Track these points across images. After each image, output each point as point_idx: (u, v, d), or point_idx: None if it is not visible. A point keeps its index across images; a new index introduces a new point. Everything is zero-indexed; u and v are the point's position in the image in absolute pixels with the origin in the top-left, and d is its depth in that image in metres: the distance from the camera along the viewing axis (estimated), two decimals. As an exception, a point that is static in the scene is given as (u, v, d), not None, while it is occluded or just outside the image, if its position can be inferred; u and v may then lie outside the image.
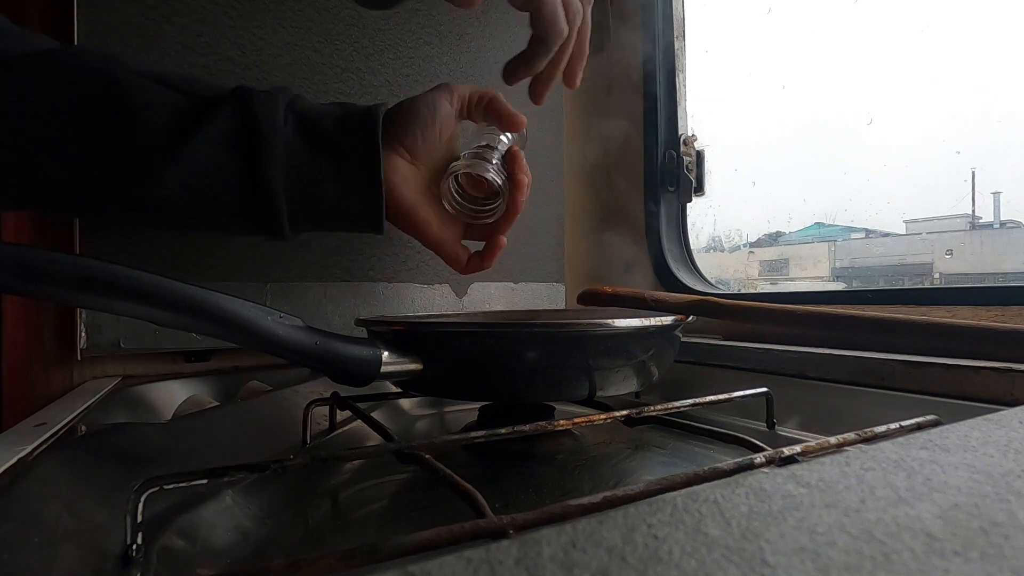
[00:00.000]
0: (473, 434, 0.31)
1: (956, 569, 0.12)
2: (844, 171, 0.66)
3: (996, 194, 0.62)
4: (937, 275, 0.66)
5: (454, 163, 0.44)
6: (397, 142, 0.43)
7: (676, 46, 0.76)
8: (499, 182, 0.44)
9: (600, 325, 0.37)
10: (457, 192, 0.46)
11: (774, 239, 0.80)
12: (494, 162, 0.44)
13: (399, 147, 0.43)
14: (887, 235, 0.73)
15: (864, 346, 0.47)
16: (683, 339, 0.47)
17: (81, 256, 0.27)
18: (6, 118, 0.35)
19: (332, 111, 0.42)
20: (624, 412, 0.37)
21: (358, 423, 0.44)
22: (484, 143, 0.46)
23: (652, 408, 0.37)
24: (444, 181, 0.45)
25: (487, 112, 0.45)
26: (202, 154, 0.38)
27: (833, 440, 0.28)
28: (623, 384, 0.39)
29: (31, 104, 0.35)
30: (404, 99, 0.45)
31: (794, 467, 0.18)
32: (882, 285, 0.75)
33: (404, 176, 0.43)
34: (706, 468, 0.23)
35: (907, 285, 0.69)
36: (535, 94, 0.45)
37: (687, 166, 0.74)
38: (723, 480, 0.17)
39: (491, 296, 0.72)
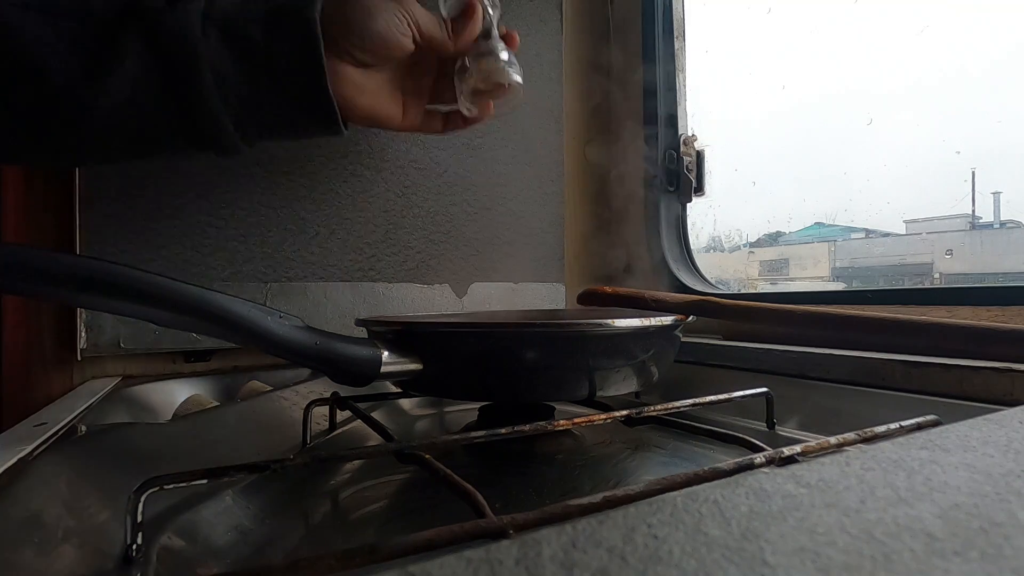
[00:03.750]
0: (473, 434, 0.31)
1: (956, 569, 0.12)
2: (844, 171, 0.66)
3: (996, 194, 0.62)
4: (937, 275, 0.66)
5: (466, 79, 0.43)
6: (346, 55, 0.38)
7: (676, 46, 0.76)
8: (520, 81, 0.44)
9: (600, 325, 0.37)
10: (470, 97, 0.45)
11: (774, 239, 0.80)
12: (507, 60, 0.44)
13: (348, 60, 0.38)
14: (887, 235, 0.73)
15: (864, 346, 0.47)
16: (683, 339, 0.47)
17: (81, 256, 0.27)
18: None
19: (259, 9, 0.36)
20: (624, 412, 0.36)
21: (358, 423, 0.44)
22: (482, 50, 0.44)
23: (652, 408, 0.37)
24: (460, 95, 0.44)
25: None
26: (116, 96, 0.34)
27: (833, 440, 0.28)
28: (623, 384, 0.39)
29: None
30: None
31: (794, 467, 0.18)
32: (882, 285, 0.75)
33: (357, 84, 0.39)
34: (706, 468, 0.23)
35: (907, 285, 0.69)
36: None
37: (687, 166, 0.74)
38: (723, 480, 0.17)
39: (491, 296, 0.72)
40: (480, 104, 0.45)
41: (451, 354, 0.38)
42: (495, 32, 0.44)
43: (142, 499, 0.23)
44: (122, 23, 0.34)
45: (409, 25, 0.39)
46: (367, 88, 0.40)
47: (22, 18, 0.32)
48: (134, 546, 0.23)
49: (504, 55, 0.43)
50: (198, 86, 0.35)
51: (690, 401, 0.38)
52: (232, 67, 0.35)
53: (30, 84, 0.33)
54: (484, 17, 0.43)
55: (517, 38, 0.46)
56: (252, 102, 0.37)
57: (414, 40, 0.40)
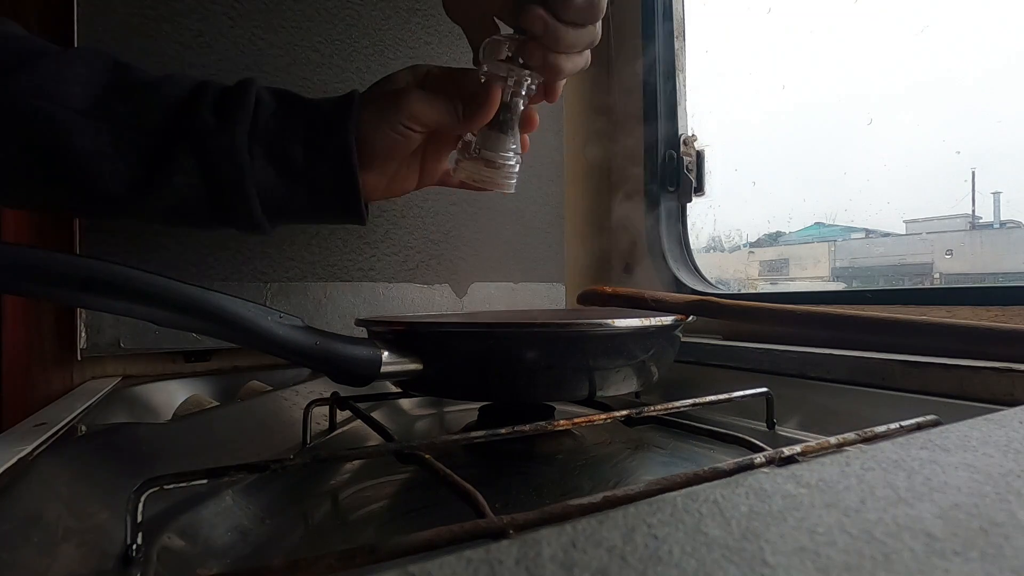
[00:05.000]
0: (473, 434, 0.31)
1: (956, 569, 0.12)
2: (844, 171, 0.66)
3: (996, 194, 0.62)
4: (937, 275, 0.66)
5: (459, 165, 0.43)
6: (368, 167, 0.41)
7: (676, 46, 0.76)
8: (511, 184, 0.43)
9: (600, 325, 0.37)
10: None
11: (774, 239, 0.80)
12: (506, 162, 0.42)
13: (370, 169, 0.41)
14: (887, 235, 0.73)
15: (864, 346, 0.47)
16: (683, 339, 0.47)
17: (81, 256, 0.28)
18: None
19: (299, 129, 0.39)
20: (624, 412, 0.36)
21: (358, 423, 0.44)
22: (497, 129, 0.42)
23: (652, 408, 0.37)
24: (452, 168, 0.44)
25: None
26: (168, 202, 0.37)
27: (833, 440, 0.28)
28: (623, 384, 0.39)
29: None
30: (366, 114, 0.40)
31: (794, 467, 0.18)
32: (882, 285, 0.75)
33: (377, 181, 0.43)
34: (706, 468, 0.23)
35: (907, 285, 0.69)
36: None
37: (687, 166, 0.74)
38: (723, 480, 0.17)
39: (491, 296, 0.72)
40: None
41: (451, 354, 0.38)
42: (509, 128, 0.42)
43: (142, 499, 0.23)
44: (175, 139, 0.36)
45: (408, 128, 0.40)
46: (387, 176, 0.43)
47: (80, 124, 0.34)
48: (134, 546, 0.23)
49: (506, 156, 0.42)
50: (243, 198, 0.38)
51: (690, 401, 0.38)
52: (274, 181, 0.39)
53: (80, 187, 0.35)
54: (502, 112, 0.41)
55: (528, 142, 0.45)
56: (289, 208, 0.40)
57: (422, 132, 0.41)
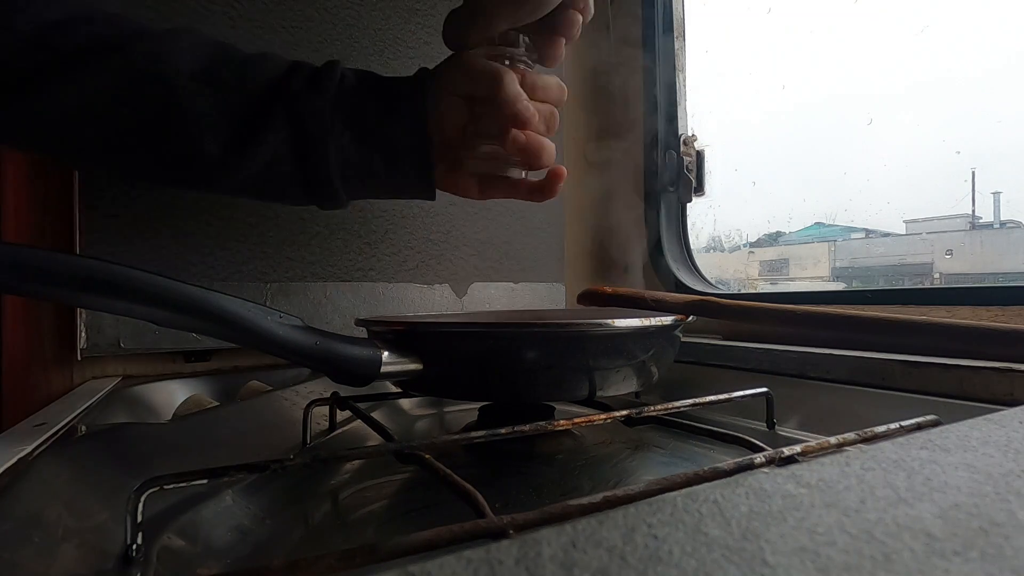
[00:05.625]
0: (473, 434, 0.31)
1: (956, 569, 0.12)
2: (844, 171, 0.66)
3: (996, 194, 0.62)
4: (937, 275, 0.66)
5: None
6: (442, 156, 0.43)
7: (676, 46, 0.76)
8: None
9: (600, 325, 0.37)
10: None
11: (774, 239, 0.80)
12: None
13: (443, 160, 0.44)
14: (887, 235, 0.73)
15: (864, 346, 0.47)
16: (683, 339, 0.47)
17: (81, 256, 0.27)
18: (65, 116, 0.36)
19: (371, 100, 0.42)
20: (624, 412, 0.36)
21: (358, 423, 0.44)
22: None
23: (652, 408, 0.37)
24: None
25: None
26: (257, 163, 0.40)
27: (833, 440, 0.28)
28: (623, 384, 0.39)
29: (88, 108, 0.36)
30: (445, 106, 0.42)
31: (794, 467, 0.18)
32: (882, 285, 0.75)
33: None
34: (706, 468, 0.23)
35: (907, 285, 0.69)
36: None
37: (687, 166, 0.74)
38: (723, 480, 0.17)
39: (491, 296, 0.72)
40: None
41: (451, 354, 0.38)
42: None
43: (142, 499, 0.23)
44: (271, 100, 0.39)
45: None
46: (455, 153, 0.44)
47: (190, 87, 0.38)
48: (134, 546, 0.23)
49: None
50: (325, 161, 0.41)
51: (690, 401, 0.38)
52: (350, 145, 0.41)
53: (185, 148, 0.39)
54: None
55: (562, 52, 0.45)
56: (364, 173, 0.43)
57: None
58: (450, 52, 0.43)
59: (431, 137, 0.42)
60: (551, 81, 0.45)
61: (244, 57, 0.41)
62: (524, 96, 0.41)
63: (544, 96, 0.44)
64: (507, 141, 0.42)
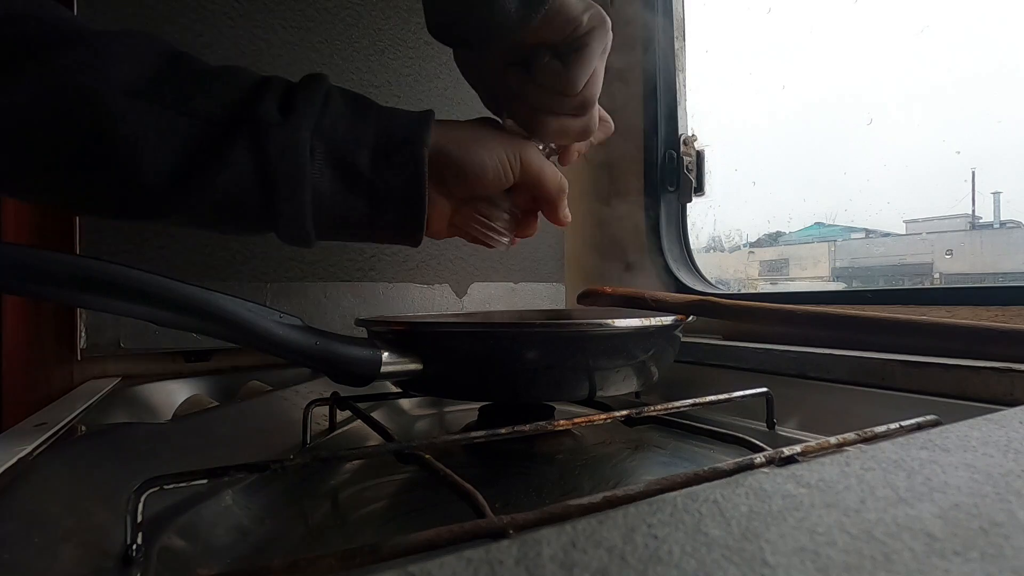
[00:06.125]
0: (473, 434, 0.31)
1: (956, 569, 0.12)
2: (844, 171, 0.66)
3: (996, 194, 0.62)
4: (937, 275, 0.66)
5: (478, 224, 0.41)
6: (442, 187, 0.38)
7: (676, 46, 0.76)
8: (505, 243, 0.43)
9: (600, 325, 0.37)
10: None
11: (774, 239, 0.80)
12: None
13: (443, 191, 0.38)
14: (887, 235, 0.73)
15: (864, 346, 0.47)
16: (683, 339, 0.47)
17: (81, 256, 0.27)
18: None
19: (369, 135, 0.35)
20: (624, 412, 0.36)
21: (358, 423, 0.44)
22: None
23: (652, 408, 0.37)
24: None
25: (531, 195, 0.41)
26: (211, 198, 0.33)
27: (833, 440, 0.28)
28: (623, 384, 0.39)
29: (10, 124, 0.31)
30: (463, 133, 0.38)
31: (794, 467, 0.18)
32: (882, 285, 0.75)
33: (439, 211, 0.39)
34: (706, 468, 0.23)
35: (907, 285, 0.69)
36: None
37: (687, 166, 0.74)
38: (723, 480, 0.17)
39: (491, 296, 0.72)
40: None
41: (451, 354, 0.38)
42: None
43: (142, 499, 0.23)
44: (231, 130, 0.33)
45: (514, 171, 0.38)
46: (444, 212, 0.39)
47: (124, 105, 0.31)
48: (134, 546, 0.23)
49: (502, 216, 0.42)
50: (296, 202, 0.34)
51: (690, 401, 0.38)
52: (331, 187, 0.35)
53: (118, 178, 0.32)
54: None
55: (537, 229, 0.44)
56: (341, 220, 0.36)
57: (513, 181, 0.39)
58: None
59: (427, 192, 0.36)
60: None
61: (199, 72, 0.34)
62: (563, 184, 0.40)
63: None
64: (530, 229, 0.43)
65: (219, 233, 0.41)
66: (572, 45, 0.37)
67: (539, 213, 0.43)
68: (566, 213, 0.42)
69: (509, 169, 0.38)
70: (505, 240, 0.42)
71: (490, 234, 0.41)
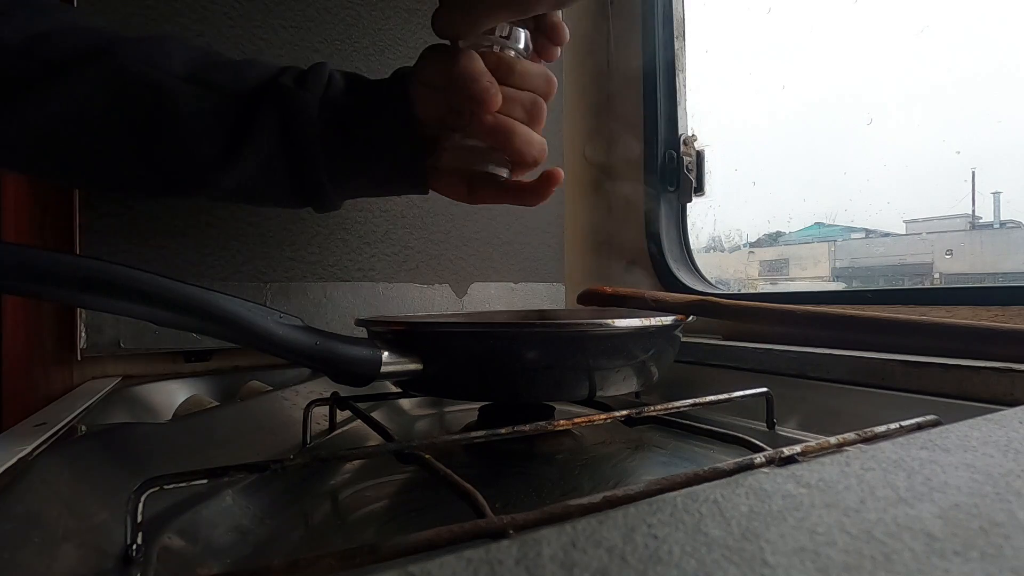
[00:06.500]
0: (473, 434, 0.31)
1: (956, 569, 0.12)
2: (844, 171, 0.66)
3: (996, 194, 0.62)
4: (937, 275, 0.66)
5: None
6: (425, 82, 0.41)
7: (676, 46, 0.76)
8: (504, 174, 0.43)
9: (600, 325, 0.37)
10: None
11: (774, 239, 0.80)
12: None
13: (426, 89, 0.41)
14: (887, 235, 0.73)
15: (864, 346, 0.47)
16: (683, 339, 0.47)
17: (81, 256, 0.27)
18: (55, 125, 0.36)
19: (363, 99, 0.42)
20: (624, 412, 0.36)
21: (358, 423, 0.44)
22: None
23: (652, 408, 0.37)
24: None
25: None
26: (251, 165, 0.39)
27: (833, 440, 0.28)
28: (623, 384, 0.39)
29: (78, 115, 0.36)
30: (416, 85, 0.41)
31: (794, 467, 0.18)
32: (882, 285, 0.75)
33: (437, 169, 0.44)
34: (706, 468, 0.23)
35: (907, 285, 0.69)
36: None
37: (687, 166, 0.74)
38: (723, 480, 0.17)
39: (491, 296, 0.72)
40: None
41: (451, 354, 0.38)
42: None
43: (142, 499, 0.23)
44: (260, 99, 0.39)
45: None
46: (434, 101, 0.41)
47: (184, 89, 0.37)
48: (134, 546, 0.23)
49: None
50: (313, 161, 0.41)
51: (690, 401, 0.38)
52: (339, 141, 0.41)
53: (179, 151, 0.38)
54: None
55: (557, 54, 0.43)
56: (353, 170, 0.42)
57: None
58: None
59: (417, 129, 0.41)
60: (534, 68, 0.41)
61: (230, 62, 0.41)
62: (487, 76, 0.38)
63: (524, 83, 0.40)
64: (472, 124, 0.39)
65: (254, 203, 0.47)
66: None
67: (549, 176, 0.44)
68: (485, 86, 0.38)
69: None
70: (504, 172, 0.43)
71: (487, 163, 0.42)
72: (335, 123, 0.41)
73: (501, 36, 0.39)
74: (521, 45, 0.40)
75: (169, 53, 0.38)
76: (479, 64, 0.38)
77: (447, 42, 0.39)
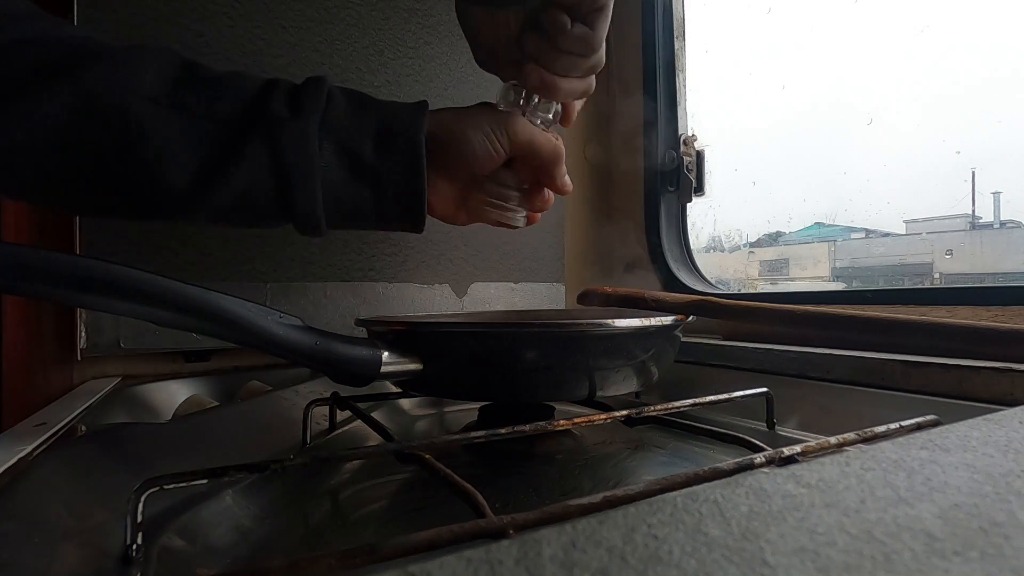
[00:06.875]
0: (473, 434, 0.31)
1: (956, 569, 0.12)
2: (844, 171, 0.66)
3: (996, 194, 0.62)
4: (937, 275, 0.66)
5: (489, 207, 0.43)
6: (441, 170, 0.40)
7: (676, 46, 0.76)
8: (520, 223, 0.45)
9: (600, 325, 0.37)
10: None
11: (774, 239, 0.80)
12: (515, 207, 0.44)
13: (442, 174, 0.40)
14: (887, 235, 0.73)
15: (864, 346, 0.47)
16: (683, 339, 0.47)
17: (81, 256, 0.27)
18: (16, 149, 0.33)
19: (370, 127, 0.38)
20: (624, 412, 0.37)
21: (358, 423, 0.44)
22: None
23: (652, 408, 0.37)
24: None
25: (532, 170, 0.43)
26: (230, 195, 0.36)
27: (833, 440, 0.28)
28: (623, 384, 0.39)
29: (42, 139, 0.33)
30: (449, 115, 0.40)
31: (794, 467, 0.18)
32: (882, 285, 0.75)
33: (441, 195, 0.42)
34: (706, 468, 0.23)
35: (907, 285, 0.69)
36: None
37: (687, 166, 0.74)
38: (723, 480, 0.17)
39: (491, 296, 0.72)
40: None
41: (451, 354, 0.38)
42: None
43: (142, 499, 0.23)
44: (246, 128, 0.35)
45: (501, 144, 0.40)
46: (447, 195, 0.42)
47: (152, 112, 0.34)
48: (134, 546, 0.23)
49: (510, 195, 0.43)
50: (309, 192, 0.37)
51: (690, 401, 0.38)
52: (338, 176, 0.37)
53: (147, 180, 0.35)
54: None
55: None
56: (350, 206, 0.39)
57: (505, 155, 0.40)
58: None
59: (426, 175, 0.39)
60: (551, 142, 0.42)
61: (213, 77, 0.37)
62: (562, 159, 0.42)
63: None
64: (542, 202, 0.43)
65: (236, 228, 0.44)
66: (591, 5, 0.37)
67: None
68: (565, 180, 0.43)
69: (496, 141, 0.40)
70: (521, 216, 0.44)
71: (504, 213, 0.43)
72: (335, 155, 0.37)
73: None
74: (551, 115, 0.42)
75: (139, 70, 0.34)
76: (558, 146, 0.41)
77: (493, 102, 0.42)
